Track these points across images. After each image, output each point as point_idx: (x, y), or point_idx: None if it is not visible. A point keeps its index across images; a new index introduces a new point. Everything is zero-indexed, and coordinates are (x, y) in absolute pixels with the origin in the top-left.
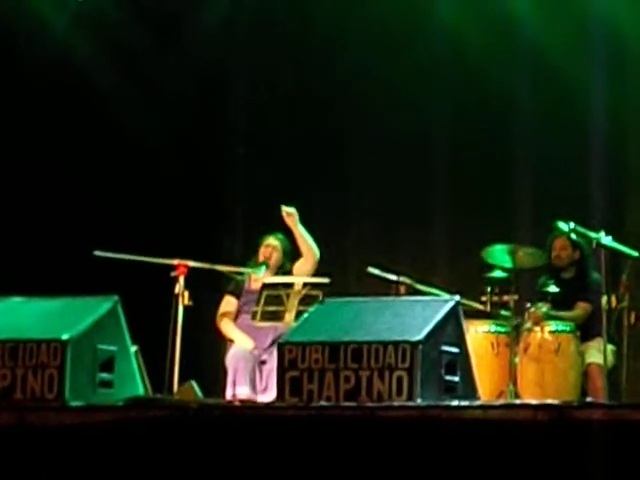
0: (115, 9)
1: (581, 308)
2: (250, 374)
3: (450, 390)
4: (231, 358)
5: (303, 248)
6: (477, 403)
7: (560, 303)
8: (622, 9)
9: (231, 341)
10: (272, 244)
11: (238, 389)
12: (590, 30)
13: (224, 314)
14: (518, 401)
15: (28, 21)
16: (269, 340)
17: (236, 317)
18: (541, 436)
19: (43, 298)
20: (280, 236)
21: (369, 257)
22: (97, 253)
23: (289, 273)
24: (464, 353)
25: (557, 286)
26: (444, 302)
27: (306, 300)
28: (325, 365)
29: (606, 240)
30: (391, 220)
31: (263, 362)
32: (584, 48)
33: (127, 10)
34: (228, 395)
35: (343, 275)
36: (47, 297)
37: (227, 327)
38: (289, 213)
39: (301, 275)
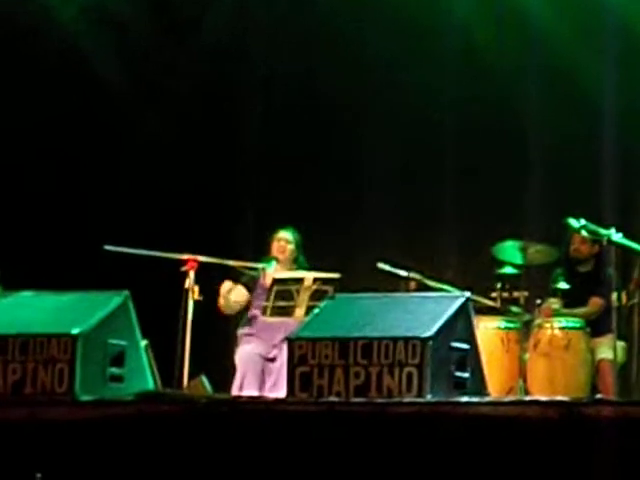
0: (122, 2)
1: (594, 304)
2: (258, 377)
3: (460, 386)
4: (239, 360)
5: None
6: (487, 399)
7: (574, 297)
8: (634, 2)
9: (239, 338)
10: (284, 238)
11: (245, 393)
12: (602, 23)
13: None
14: (527, 397)
15: (34, 14)
16: (279, 336)
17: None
18: (550, 432)
19: (54, 293)
20: (292, 229)
21: (379, 253)
22: (107, 248)
23: (303, 267)
24: (474, 349)
25: (573, 279)
26: (454, 298)
27: (316, 295)
28: (335, 361)
29: (617, 237)
30: (401, 216)
31: (273, 359)
32: (596, 42)
33: (134, 3)
34: None
35: (353, 271)
36: (58, 292)
37: (224, 288)
38: None
39: None
